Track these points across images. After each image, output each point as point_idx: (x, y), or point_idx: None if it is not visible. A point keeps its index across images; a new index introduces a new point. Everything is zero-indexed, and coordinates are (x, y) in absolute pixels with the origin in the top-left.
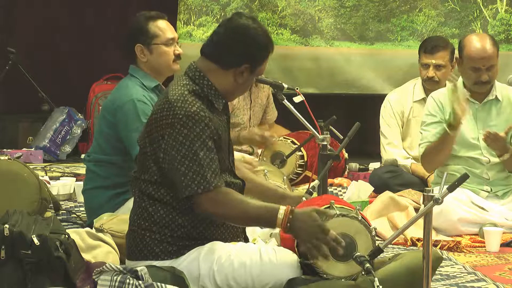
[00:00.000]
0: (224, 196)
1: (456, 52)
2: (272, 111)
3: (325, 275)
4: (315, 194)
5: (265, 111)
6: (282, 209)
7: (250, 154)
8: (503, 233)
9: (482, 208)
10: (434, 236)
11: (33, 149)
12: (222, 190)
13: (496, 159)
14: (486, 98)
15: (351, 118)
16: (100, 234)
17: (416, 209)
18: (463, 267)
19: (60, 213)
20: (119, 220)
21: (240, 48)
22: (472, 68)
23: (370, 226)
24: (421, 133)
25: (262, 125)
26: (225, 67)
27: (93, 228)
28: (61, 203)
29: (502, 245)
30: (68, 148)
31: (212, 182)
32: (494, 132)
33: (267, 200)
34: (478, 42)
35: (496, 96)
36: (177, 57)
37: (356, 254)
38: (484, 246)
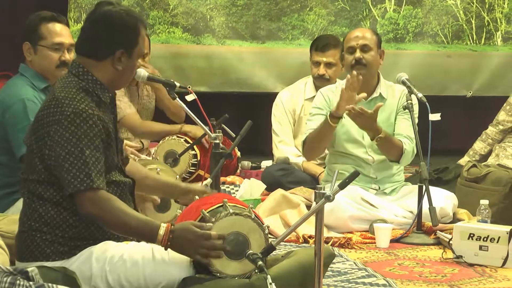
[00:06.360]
0: (106, 202)
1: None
2: None
3: (219, 274)
4: None
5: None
6: (163, 228)
7: (140, 150)
8: (393, 229)
9: (372, 205)
10: (326, 233)
11: None
12: (105, 195)
13: (381, 157)
14: (371, 96)
15: (243, 116)
16: None
17: (308, 207)
18: (354, 263)
19: None
20: (9, 220)
21: (107, 36)
22: (348, 50)
23: (263, 224)
24: (306, 123)
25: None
26: (100, 59)
27: None
28: None
29: (391, 241)
30: None
31: (95, 181)
32: (359, 108)
33: (170, 196)
34: (356, 29)
35: (380, 93)
36: (62, 63)
37: (249, 252)
38: (375, 243)
